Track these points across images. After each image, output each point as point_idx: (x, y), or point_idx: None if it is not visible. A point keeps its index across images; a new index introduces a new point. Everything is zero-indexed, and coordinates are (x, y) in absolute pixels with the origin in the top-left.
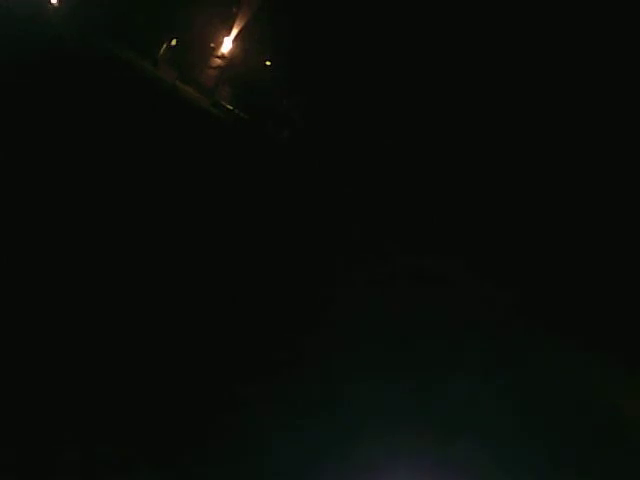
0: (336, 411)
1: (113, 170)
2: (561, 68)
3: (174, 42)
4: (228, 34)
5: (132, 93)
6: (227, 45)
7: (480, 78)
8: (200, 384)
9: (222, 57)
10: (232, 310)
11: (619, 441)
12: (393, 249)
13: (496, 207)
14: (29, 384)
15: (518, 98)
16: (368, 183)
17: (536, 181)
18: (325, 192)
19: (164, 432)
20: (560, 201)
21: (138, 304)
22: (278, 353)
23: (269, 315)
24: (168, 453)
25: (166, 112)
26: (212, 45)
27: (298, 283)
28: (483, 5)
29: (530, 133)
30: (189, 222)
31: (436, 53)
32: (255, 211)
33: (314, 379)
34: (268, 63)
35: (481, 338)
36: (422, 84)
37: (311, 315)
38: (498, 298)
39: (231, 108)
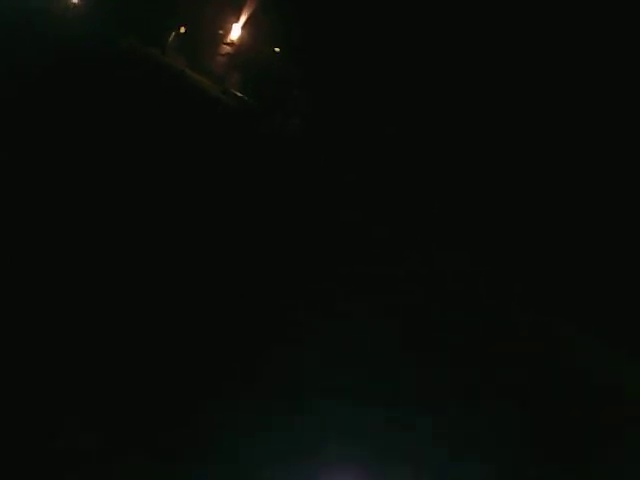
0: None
1: (124, 158)
2: (561, 66)
3: (183, 29)
4: (237, 21)
5: (141, 81)
6: (236, 32)
7: (487, 69)
8: (189, 385)
9: (231, 44)
10: (228, 304)
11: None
12: (395, 240)
13: (501, 199)
14: (27, 383)
15: (524, 87)
16: (375, 175)
17: (541, 172)
18: (330, 182)
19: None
20: (563, 197)
21: (132, 303)
22: (269, 350)
23: (262, 310)
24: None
25: (175, 99)
26: (221, 32)
27: (299, 275)
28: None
29: (534, 125)
30: (197, 207)
31: (446, 42)
32: (261, 199)
33: (305, 379)
34: (277, 50)
35: (481, 333)
36: (433, 72)
37: (307, 308)
38: (504, 291)
39: (240, 95)
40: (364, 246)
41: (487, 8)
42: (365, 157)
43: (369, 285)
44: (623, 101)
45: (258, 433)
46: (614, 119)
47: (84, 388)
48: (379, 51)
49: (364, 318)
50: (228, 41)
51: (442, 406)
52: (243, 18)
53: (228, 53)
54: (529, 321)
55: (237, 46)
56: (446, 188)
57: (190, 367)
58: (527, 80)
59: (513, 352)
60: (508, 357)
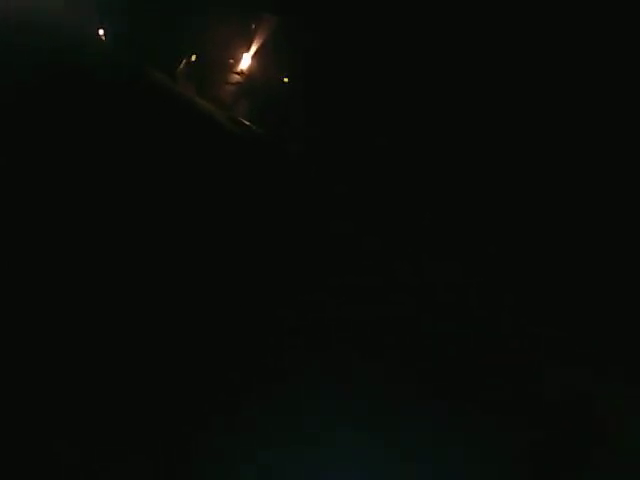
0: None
1: (128, 181)
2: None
3: (194, 58)
4: (247, 50)
5: (151, 107)
6: (246, 61)
7: (477, 77)
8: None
9: (240, 73)
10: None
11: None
12: (386, 251)
13: (493, 210)
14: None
15: (517, 97)
16: (366, 186)
17: (532, 182)
18: (321, 193)
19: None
20: (554, 208)
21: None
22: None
23: (252, 321)
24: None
25: (184, 126)
26: (231, 61)
27: (289, 285)
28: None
29: (523, 138)
30: (200, 231)
31: (439, 58)
32: (252, 210)
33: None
34: (286, 80)
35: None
36: (424, 86)
37: (297, 318)
38: (494, 302)
39: (248, 124)
40: (355, 257)
41: (476, 25)
42: (356, 168)
43: (359, 296)
44: (623, 107)
45: (250, 443)
46: (609, 127)
47: (82, 391)
48: (387, 79)
49: (354, 329)
50: (238, 70)
51: (432, 417)
52: (254, 48)
53: (238, 82)
54: (520, 332)
55: (247, 75)
56: (437, 199)
57: (179, 382)
58: (518, 97)
59: (504, 364)
60: (499, 369)
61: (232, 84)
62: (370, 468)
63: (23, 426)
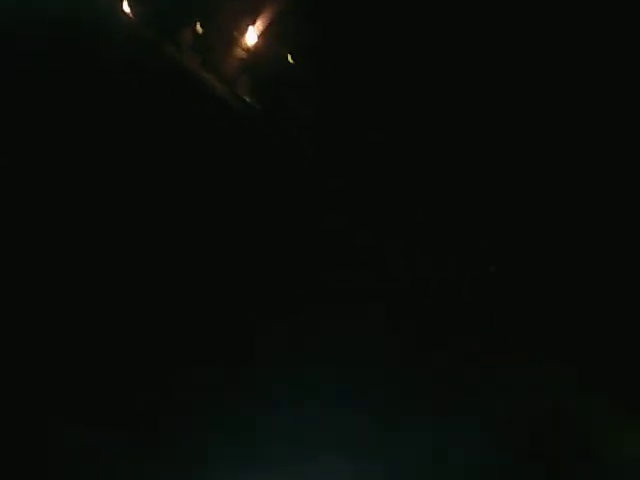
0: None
1: (126, 155)
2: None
3: (199, 28)
4: (253, 24)
5: (154, 75)
6: (252, 37)
7: (477, 75)
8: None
9: (245, 48)
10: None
11: None
12: (379, 246)
13: (487, 203)
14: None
15: (512, 92)
16: (359, 180)
17: (531, 175)
18: (314, 187)
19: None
20: (552, 201)
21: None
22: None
23: (245, 316)
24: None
25: (184, 97)
26: (236, 35)
27: (282, 279)
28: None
29: (521, 132)
30: (193, 211)
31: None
32: (245, 203)
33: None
34: (291, 60)
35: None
36: (421, 79)
37: (292, 312)
38: (488, 297)
39: (248, 100)
40: (348, 251)
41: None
42: (349, 162)
43: (353, 290)
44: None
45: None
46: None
47: (79, 387)
48: (396, 63)
49: (347, 324)
50: (242, 43)
51: (431, 417)
52: (259, 22)
53: (241, 57)
54: (514, 328)
55: (251, 49)
56: (431, 193)
57: (178, 381)
58: (512, 92)
59: (497, 360)
60: (492, 365)
61: (237, 59)
62: (369, 467)
63: (16, 421)
